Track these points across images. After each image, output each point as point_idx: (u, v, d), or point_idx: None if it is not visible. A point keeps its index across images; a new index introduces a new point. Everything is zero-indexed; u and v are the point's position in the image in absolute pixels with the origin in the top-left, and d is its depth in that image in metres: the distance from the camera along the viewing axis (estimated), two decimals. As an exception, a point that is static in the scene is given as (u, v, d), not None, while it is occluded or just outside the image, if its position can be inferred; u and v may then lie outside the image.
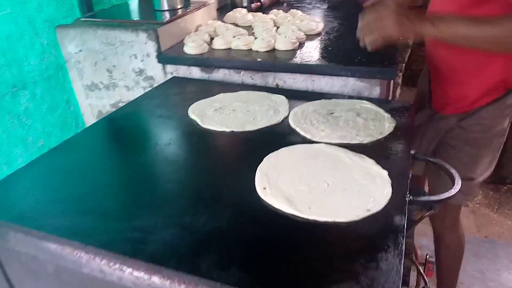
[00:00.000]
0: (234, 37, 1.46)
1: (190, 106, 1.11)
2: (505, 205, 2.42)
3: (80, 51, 1.53)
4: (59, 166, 0.89)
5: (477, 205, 2.42)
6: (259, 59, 1.34)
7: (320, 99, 1.16)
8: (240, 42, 1.41)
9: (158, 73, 1.47)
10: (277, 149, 0.90)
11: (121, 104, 1.60)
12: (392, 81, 1.27)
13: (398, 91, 1.39)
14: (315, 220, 0.69)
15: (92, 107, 1.66)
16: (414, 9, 1.15)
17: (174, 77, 1.38)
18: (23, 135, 1.44)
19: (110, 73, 1.54)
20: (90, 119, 1.69)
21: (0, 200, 0.78)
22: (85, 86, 1.61)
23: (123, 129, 1.06)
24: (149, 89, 1.52)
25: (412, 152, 0.89)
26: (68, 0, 1.59)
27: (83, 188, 0.80)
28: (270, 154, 0.88)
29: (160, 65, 1.45)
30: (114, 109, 1.62)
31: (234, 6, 2.04)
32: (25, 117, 1.44)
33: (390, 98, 1.29)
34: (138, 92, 1.55)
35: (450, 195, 0.78)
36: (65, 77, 1.60)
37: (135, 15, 1.66)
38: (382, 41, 1.05)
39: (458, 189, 0.79)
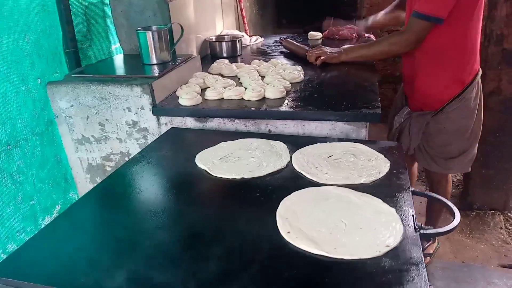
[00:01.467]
0: (225, 88, 1.55)
1: (196, 156, 1.16)
2: (476, 230, 2.57)
3: (72, 106, 1.55)
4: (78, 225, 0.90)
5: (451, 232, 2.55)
6: (252, 108, 1.42)
7: (314, 142, 1.24)
8: (232, 93, 1.49)
9: (153, 125, 1.52)
10: (288, 193, 0.96)
11: (112, 157, 1.62)
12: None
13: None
14: (342, 259, 0.75)
15: (82, 161, 1.66)
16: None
17: (172, 127, 1.43)
18: (14, 194, 1.42)
19: (103, 126, 1.56)
20: (79, 173, 1.68)
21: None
22: (75, 140, 1.62)
23: (134, 185, 1.08)
24: (142, 140, 1.56)
25: (412, 189, 0.98)
26: (57, 56, 1.62)
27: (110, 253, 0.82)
28: (285, 198, 0.94)
29: (154, 117, 1.50)
30: (105, 162, 1.64)
31: (214, 57, 2.15)
32: (17, 175, 1.43)
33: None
34: (130, 144, 1.58)
35: (453, 227, 0.86)
36: (54, 132, 1.60)
37: (125, 70, 1.71)
38: (321, 60, 1.88)
39: (458, 221, 0.88)
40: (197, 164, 1.12)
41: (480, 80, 1.81)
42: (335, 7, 3.83)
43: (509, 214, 2.68)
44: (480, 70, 1.81)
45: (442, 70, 1.73)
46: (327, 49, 1.96)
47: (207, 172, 1.08)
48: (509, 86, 2.46)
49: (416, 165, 2.23)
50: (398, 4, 2.13)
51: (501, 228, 2.57)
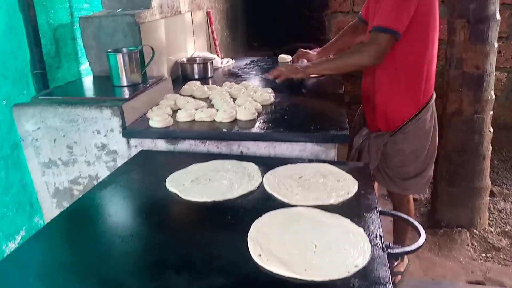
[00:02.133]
0: (196, 109, 1.55)
1: (166, 179, 1.15)
2: (444, 247, 2.64)
3: (39, 128, 1.52)
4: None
5: (420, 250, 2.61)
6: (224, 130, 1.43)
7: (285, 163, 1.26)
8: (203, 114, 1.50)
9: (122, 147, 1.50)
10: (260, 215, 0.97)
11: (80, 180, 1.58)
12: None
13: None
14: (312, 281, 0.75)
15: (48, 185, 1.61)
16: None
17: (142, 150, 1.41)
18: (-25, 220, 1.36)
19: (71, 149, 1.53)
20: (45, 198, 1.63)
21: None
22: (41, 164, 1.57)
23: (103, 209, 1.06)
24: (112, 163, 1.53)
25: (379, 209, 1.01)
26: (24, 78, 1.59)
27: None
28: (256, 221, 0.94)
29: (124, 139, 1.48)
30: (72, 186, 1.59)
31: (185, 78, 2.16)
32: (-22, 200, 1.37)
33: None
34: (99, 167, 1.55)
35: (419, 246, 0.89)
36: (19, 156, 1.56)
37: (94, 92, 1.69)
38: (284, 76, 1.94)
39: (424, 239, 0.91)
40: (168, 187, 1.11)
41: (434, 103, 1.91)
42: (303, 30, 3.94)
43: (474, 231, 2.76)
44: (434, 93, 1.92)
45: (399, 90, 1.81)
46: (288, 66, 2.06)
47: (178, 195, 1.08)
48: (469, 107, 2.58)
49: (376, 185, 2.25)
50: (346, 31, 2.23)
51: (467, 245, 2.65)
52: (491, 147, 2.72)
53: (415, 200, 3.21)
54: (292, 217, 0.96)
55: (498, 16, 2.48)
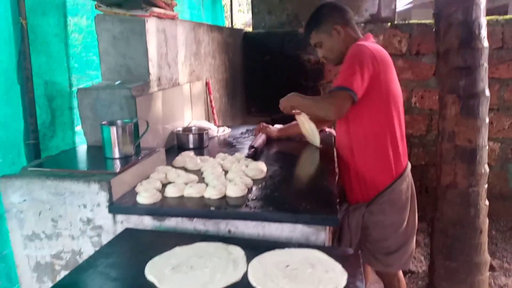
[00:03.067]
0: (186, 184, 1.54)
1: (146, 265, 1.11)
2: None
3: (24, 201, 1.49)
4: None
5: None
6: (212, 208, 1.40)
7: (273, 248, 1.22)
8: (192, 190, 1.48)
9: (108, 222, 1.46)
10: (242, 312, 0.92)
11: (63, 255, 1.53)
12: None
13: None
14: None
15: (30, 258, 1.56)
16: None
17: (126, 229, 1.38)
18: None
19: (55, 222, 1.50)
20: (25, 272, 1.57)
21: None
22: (24, 236, 1.53)
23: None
24: (96, 238, 1.49)
25: (368, 306, 0.96)
26: (15, 148, 1.59)
27: None
28: (237, 319, 0.89)
29: (110, 214, 1.45)
30: (54, 260, 1.54)
31: (180, 147, 2.17)
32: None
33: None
34: (83, 241, 1.51)
35: None
36: (2, 227, 1.52)
37: (85, 164, 1.69)
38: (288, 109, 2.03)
39: None
40: (147, 275, 1.07)
41: (410, 174, 1.96)
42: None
43: (475, 308, 2.64)
44: (409, 164, 1.97)
45: (370, 159, 1.89)
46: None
47: (156, 286, 1.03)
48: (463, 180, 2.58)
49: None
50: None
51: (468, 324, 2.52)
52: (487, 220, 2.67)
53: (412, 272, 3.11)
54: (275, 316, 0.91)
55: (487, 93, 2.55)
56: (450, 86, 2.59)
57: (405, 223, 1.91)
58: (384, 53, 1.88)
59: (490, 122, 2.89)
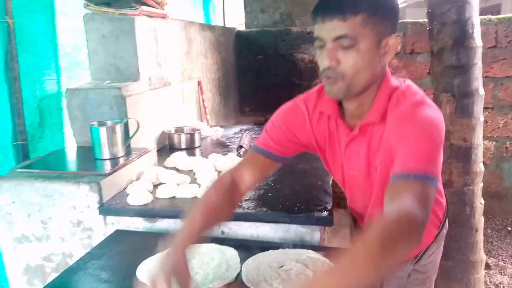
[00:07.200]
0: (178, 184, 1.51)
1: (138, 267, 1.08)
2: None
3: (13, 202, 1.46)
4: None
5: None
6: (204, 209, 1.38)
7: (267, 248, 1.20)
8: (185, 191, 1.46)
9: (98, 224, 1.44)
10: (234, 314, 0.89)
11: (53, 257, 1.50)
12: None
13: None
14: None
15: (19, 261, 1.52)
16: None
17: (117, 230, 1.35)
18: None
19: (45, 224, 1.47)
20: (16, 274, 1.54)
21: None
22: (13, 239, 1.50)
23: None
24: (87, 240, 1.46)
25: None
26: (3, 149, 1.56)
27: None
28: (229, 322, 0.87)
29: (101, 216, 1.42)
30: (45, 263, 1.51)
31: (172, 148, 2.14)
32: None
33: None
34: (73, 243, 1.48)
35: None
36: (-10, 230, 1.49)
37: (75, 165, 1.66)
38: None
39: None
40: (138, 278, 1.04)
41: None
42: (294, 97, 4.02)
43: (471, 307, 2.63)
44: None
45: None
46: None
47: (148, 288, 1.00)
48: (459, 179, 2.56)
49: None
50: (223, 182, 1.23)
51: (465, 323, 2.51)
52: (483, 219, 2.66)
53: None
54: (268, 318, 0.88)
55: (482, 91, 2.54)
56: (444, 85, 2.58)
57: None
58: None
59: (485, 121, 2.89)
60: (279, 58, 4.07)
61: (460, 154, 2.56)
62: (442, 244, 1.42)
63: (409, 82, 1.14)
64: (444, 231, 1.40)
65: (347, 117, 1.14)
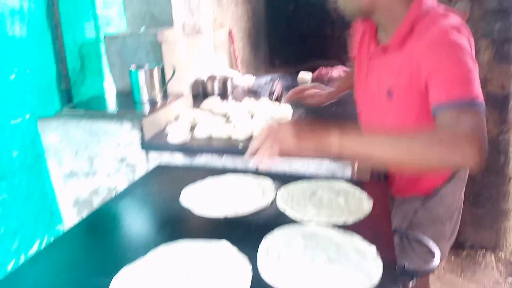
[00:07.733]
0: (214, 125, 1.57)
1: (181, 193, 1.17)
2: (467, 269, 2.55)
3: (61, 140, 1.57)
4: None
5: (442, 272, 2.53)
6: (240, 146, 1.44)
7: (300, 179, 1.25)
8: (220, 131, 1.52)
9: (141, 160, 1.53)
10: (271, 231, 0.96)
11: (100, 191, 1.62)
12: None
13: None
14: (321, 299, 0.74)
15: (69, 195, 1.65)
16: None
17: (159, 165, 1.44)
18: (-3, 227, 1.41)
19: (91, 160, 1.57)
20: (66, 208, 1.67)
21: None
22: (63, 174, 1.62)
23: (117, 222, 1.08)
24: (130, 175, 1.57)
25: (393, 228, 0.99)
26: (49, 93, 1.65)
27: None
28: (267, 237, 0.94)
29: (143, 152, 1.51)
30: (93, 196, 1.63)
31: (205, 94, 2.20)
32: (1, 208, 1.42)
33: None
34: (118, 178, 1.58)
35: (433, 267, 0.87)
36: (42, 167, 1.61)
37: (116, 107, 1.74)
38: (278, 155, 0.97)
39: (439, 261, 0.88)
40: (181, 202, 1.13)
41: None
42: (325, 48, 3.95)
43: (500, 253, 2.66)
44: None
45: None
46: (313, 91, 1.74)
47: (190, 210, 1.09)
48: (494, 128, 2.52)
49: None
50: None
51: (492, 268, 2.55)
52: (517, 168, 2.63)
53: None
54: (303, 234, 0.95)
55: (523, 36, 2.44)
56: (483, 30, 2.49)
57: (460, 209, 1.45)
58: None
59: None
60: (310, 8, 3.97)
61: (496, 102, 2.51)
62: (461, 191, 1.42)
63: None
64: (462, 175, 1.40)
65: (378, 34, 1.26)
